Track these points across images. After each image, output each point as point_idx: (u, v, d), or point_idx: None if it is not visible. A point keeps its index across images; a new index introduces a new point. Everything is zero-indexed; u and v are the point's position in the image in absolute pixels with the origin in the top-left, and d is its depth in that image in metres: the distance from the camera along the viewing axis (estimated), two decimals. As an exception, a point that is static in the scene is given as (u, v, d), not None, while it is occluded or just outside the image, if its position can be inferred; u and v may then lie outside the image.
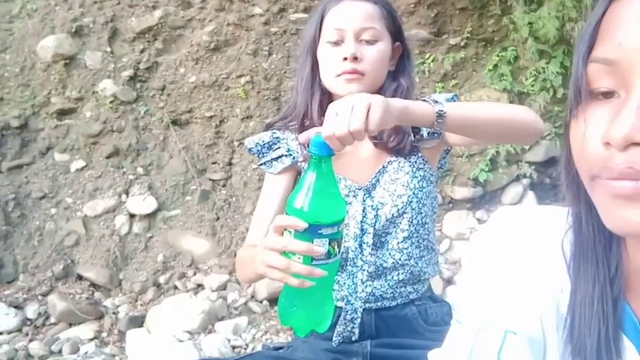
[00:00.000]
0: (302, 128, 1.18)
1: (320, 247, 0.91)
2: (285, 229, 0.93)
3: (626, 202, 0.54)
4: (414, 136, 1.05)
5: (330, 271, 0.94)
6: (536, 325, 0.68)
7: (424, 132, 1.02)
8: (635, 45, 0.52)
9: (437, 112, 0.99)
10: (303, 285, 0.91)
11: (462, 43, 4.33)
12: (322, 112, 1.25)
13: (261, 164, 1.33)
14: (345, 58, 1.20)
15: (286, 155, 1.28)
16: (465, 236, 4.12)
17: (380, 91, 1.25)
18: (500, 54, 4.28)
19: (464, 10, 4.29)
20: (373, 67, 1.20)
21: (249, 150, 1.33)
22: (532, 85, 4.22)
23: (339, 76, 1.21)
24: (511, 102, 4.26)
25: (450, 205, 4.26)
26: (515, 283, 0.69)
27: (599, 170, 0.56)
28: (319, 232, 0.91)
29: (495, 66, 4.26)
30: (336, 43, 1.22)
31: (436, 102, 1.01)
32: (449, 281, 3.66)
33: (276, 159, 1.30)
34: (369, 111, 0.90)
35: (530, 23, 3.98)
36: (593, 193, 0.58)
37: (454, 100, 1.27)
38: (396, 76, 1.27)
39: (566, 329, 0.66)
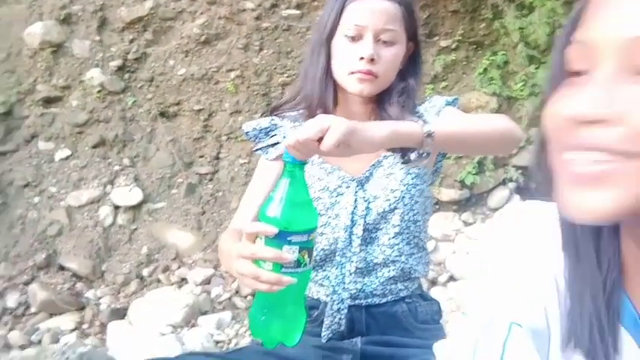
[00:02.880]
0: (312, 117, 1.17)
1: (289, 254, 0.91)
2: (257, 237, 0.93)
3: (578, 186, 0.54)
4: (403, 158, 1.05)
5: (301, 282, 0.94)
6: (541, 316, 0.68)
7: (412, 155, 1.02)
8: (602, 27, 0.54)
9: (426, 133, 0.99)
10: (271, 289, 0.91)
11: (453, 46, 4.35)
12: (336, 103, 1.25)
13: (257, 149, 1.32)
14: (362, 58, 1.19)
15: (280, 142, 1.28)
16: (450, 238, 4.13)
17: (388, 90, 1.25)
18: (490, 58, 4.31)
19: (455, 12, 4.31)
20: (387, 69, 1.20)
21: (247, 133, 1.33)
22: (521, 90, 4.25)
23: (352, 73, 1.20)
24: (500, 106, 4.29)
25: (437, 207, 4.28)
26: (520, 275, 0.70)
27: (559, 145, 0.56)
28: (288, 239, 0.91)
29: (485, 69, 4.28)
30: (354, 39, 1.21)
31: (425, 122, 1.02)
32: (433, 282, 3.68)
33: (272, 145, 1.30)
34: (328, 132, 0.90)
35: (521, 28, 4.01)
36: (556, 179, 0.58)
37: (454, 104, 1.28)
38: (405, 76, 1.27)
39: (562, 320, 0.67)
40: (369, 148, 0.95)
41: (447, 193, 4.26)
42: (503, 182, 4.43)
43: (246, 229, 0.95)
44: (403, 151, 1.04)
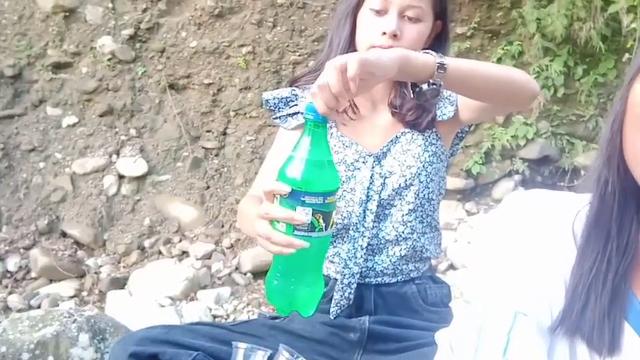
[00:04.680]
0: None
1: (301, 215, 0.89)
2: (274, 196, 0.91)
3: None
4: (414, 92, 1.02)
5: (315, 247, 0.91)
6: (545, 310, 0.68)
7: (424, 86, 1.00)
8: None
9: (438, 63, 0.97)
10: (282, 252, 0.90)
11: (469, 33, 4.31)
12: None
13: (276, 118, 1.31)
14: (384, 33, 1.18)
15: (302, 113, 1.26)
16: (452, 226, 4.13)
17: None
18: (505, 47, 4.27)
19: (473, 0, 4.26)
20: (410, 46, 1.17)
21: (266, 102, 1.31)
22: (534, 82, 4.21)
23: (373, 47, 1.18)
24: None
25: (441, 195, 4.27)
26: (526, 266, 0.70)
27: None
28: (302, 199, 0.88)
29: (499, 59, 4.24)
30: (379, 13, 1.19)
31: (438, 54, 1.00)
32: (435, 268, 3.67)
33: (291, 115, 1.29)
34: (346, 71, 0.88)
35: (538, 19, 3.96)
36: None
37: None
38: None
39: (564, 306, 0.66)
40: (389, 71, 0.93)
41: (452, 182, 4.24)
42: (509, 174, 4.42)
43: (264, 188, 0.94)
44: (414, 85, 1.02)
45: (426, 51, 1.01)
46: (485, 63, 1.18)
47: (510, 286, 0.69)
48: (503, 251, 0.72)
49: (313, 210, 0.89)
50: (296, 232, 0.89)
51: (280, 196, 0.90)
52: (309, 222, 0.89)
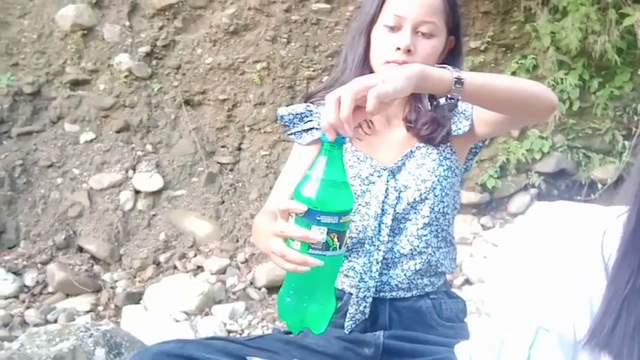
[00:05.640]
0: None
1: (317, 235, 0.89)
2: (290, 214, 0.92)
3: None
4: (431, 105, 1.03)
5: (329, 266, 0.92)
6: (568, 326, 0.66)
7: (441, 100, 1.00)
8: None
9: (455, 78, 0.98)
10: (297, 270, 0.90)
11: (482, 47, 4.30)
12: None
13: (291, 134, 1.32)
14: (398, 48, 1.19)
15: (317, 129, 1.27)
16: (468, 241, 4.10)
17: None
18: (519, 61, 4.26)
19: (487, 14, 4.26)
20: (423, 62, 1.18)
21: (281, 117, 1.32)
22: (549, 96, 4.19)
23: (387, 63, 1.19)
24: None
25: (456, 209, 4.25)
26: (549, 281, 0.68)
27: None
28: (317, 218, 0.89)
29: (514, 73, 4.23)
30: (393, 29, 1.21)
31: (455, 69, 1.00)
32: (450, 283, 3.65)
33: (306, 131, 1.29)
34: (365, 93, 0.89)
35: (552, 32, 3.95)
36: None
37: None
38: None
39: (595, 321, 0.65)
40: (406, 90, 0.93)
41: (467, 196, 4.22)
42: (525, 188, 4.38)
43: (279, 206, 0.94)
44: (432, 97, 1.02)
45: (443, 65, 1.01)
46: (503, 76, 1.19)
47: (533, 301, 0.68)
48: (526, 264, 0.71)
49: (328, 229, 0.90)
50: (310, 251, 0.90)
51: (296, 214, 0.91)
52: (324, 241, 0.90)
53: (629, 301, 0.64)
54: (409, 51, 1.19)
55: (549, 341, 0.66)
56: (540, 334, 0.66)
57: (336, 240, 0.91)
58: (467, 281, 3.79)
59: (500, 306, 0.71)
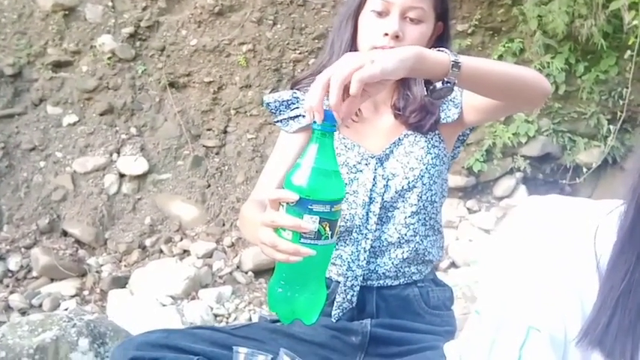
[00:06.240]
0: None
1: (309, 223, 0.88)
2: (280, 204, 0.91)
3: None
4: (427, 89, 1.01)
5: (321, 255, 0.91)
6: (559, 326, 0.66)
7: (437, 84, 0.98)
8: None
9: (452, 62, 0.96)
10: (289, 260, 0.89)
11: (469, 31, 4.29)
12: None
13: (277, 121, 1.30)
14: (386, 34, 1.17)
15: (304, 115, 1.25)
16: (454, 224, 4.12)
17: None
18: (506, 45, 4.25)
19: (474, -4, 4.24)
20: None
21: (267, 105, 1.30)
22: (535, 79, 4.19)
23: (375, 49, 1.17)
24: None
25: (442, 192, 4.26)
26: (541, 280, 0.68)
27: None
28: (309, 207, 0.88)
29: (500, 56, 4.22)
30: (380, 14, 1.19)
31: (452, 52, 0.98)
32: (436, 267, 3.67)
33: (293, 118, 1.28)
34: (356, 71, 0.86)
35: (539, 16, 3.94)
36: None
37: None
38: None
39: (590, 318, 0.65)
40: (399, 73, 0.90)
41: (453, 180, 4.23)
42: (511, 171, 4.40)
43: (270, 195, 0.93)
44: (428, 82, 1.01)
45: (441, 49, 0.99)
46: (498, 62, 1.17)
47: (524, 300, 0.67)
48: (517, 263, 0.70)
49: (320, 218, 0.89)
50: (302, 240, 0.89)
51: (287, 203, 0.89)
52: (316, 230, 0.89)
53: (624, 298, 0.63)
54: (397, 37, 1.17)
55: (540, 341, 0.65)
56: (531, 333, 0.65)
57: (328, 229, 0.90)
58: (453, 264, 3.82)
59: (491, 305, 0.70)
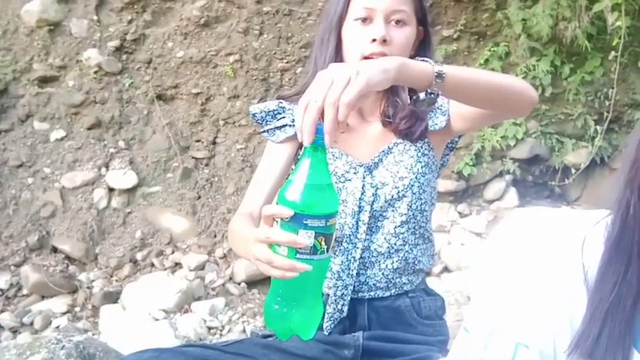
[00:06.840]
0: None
1: (304, 239, 0.87)
2: (274, 220, 0.90)
3: None
4: (411, 99, 1.01)
5: (317, 270, 0.90)
6: (548, 340, 0.66)
7: (421, 95, 0.98)
8: None
9: (436, 72, 0.96)
10: (285, 276, 0.88)
11: (455, 36, 4.31)
12: None
13: (264, 131, 1.30)
14: (374, 40, 1.17)
15: (290, 125, 1.25)
16: (445, 229, 4.13)
17: None
18: (492, 49, 4.28)
19: (459, 2, 4.26)
20: (400, 51, 1.16)
21: (253, 115, 1.30)
22: (522, 82, 4.22)
23: (366, 58, 1.17)
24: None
25: (433, 197, 4.27)
26: (528, 294, 0.67)
27: None
28: (304, 222, 0.87)
29: (487, 60, 4.25)
30: (365, 21, 1.18)
31: (436, 62, 0.98)
32: (428, 273, 3.67)
33: (279, 128, 1.27)
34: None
35: (524, 20, 3.98)
36: None
37: None
38: None
39: (580, 330, 0.64)
40: (384, 83, 0.90)
41: (444, 184, 4.25)
42: (500, 174, 4.43)
43: (264, 211, 0.92)
44: (412, 91, 1.00)
45: (424, 59, 0.99)
46: (483, 71, 1.17)
47: (512, 316, 0.67)
48: (504, 278, 0.70)
49: (316, 233, 0.88)
50: (298, 256, 0.88)
51: (281, 219, 0.89)
52: (312, 245, 0.88)
53: (613, 309, 0.63)
54: (385, 41, 1.17)
55: (529, 357, 0.65)
56: (519, 350, 0.65)
57: (323, 243, 0.89)
58: (446, 269, 3.82)
59: (479, 321, 0.70)
